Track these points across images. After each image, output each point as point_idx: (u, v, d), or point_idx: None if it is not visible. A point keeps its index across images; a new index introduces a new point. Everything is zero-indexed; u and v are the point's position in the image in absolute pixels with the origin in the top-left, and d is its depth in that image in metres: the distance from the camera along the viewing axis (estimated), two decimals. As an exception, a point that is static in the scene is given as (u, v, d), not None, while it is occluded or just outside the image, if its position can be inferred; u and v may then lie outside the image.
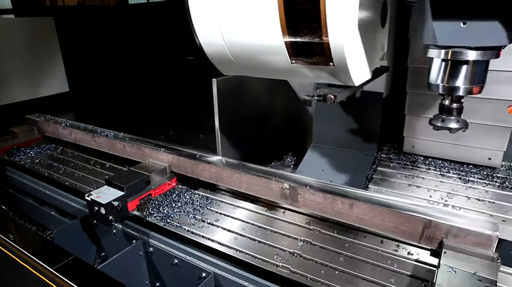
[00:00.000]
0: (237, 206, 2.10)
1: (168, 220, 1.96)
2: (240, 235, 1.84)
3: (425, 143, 2.47)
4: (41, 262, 1.63)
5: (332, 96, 1.60)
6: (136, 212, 2.03)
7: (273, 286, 1.58)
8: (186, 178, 2.32)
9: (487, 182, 2.18)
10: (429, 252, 1.61)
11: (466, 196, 2.06)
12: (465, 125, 1.58)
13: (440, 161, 2.43)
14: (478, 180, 2.21)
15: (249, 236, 1.82)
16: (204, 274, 1.71)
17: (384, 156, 2.58)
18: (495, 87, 2.07)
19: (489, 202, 2.00)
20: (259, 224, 1.92)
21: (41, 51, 4.52)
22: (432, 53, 1.46)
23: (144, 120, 4.39)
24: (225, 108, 2.32)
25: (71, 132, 2.92)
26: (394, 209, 1.61)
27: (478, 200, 2.02)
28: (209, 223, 1.94)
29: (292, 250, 1.69)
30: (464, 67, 1.43)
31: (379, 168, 2.43)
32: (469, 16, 1.30)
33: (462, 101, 1.56)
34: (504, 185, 2.13)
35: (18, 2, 5.46)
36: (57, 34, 4.67)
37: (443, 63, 1.46)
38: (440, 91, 1.52)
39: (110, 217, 1.90)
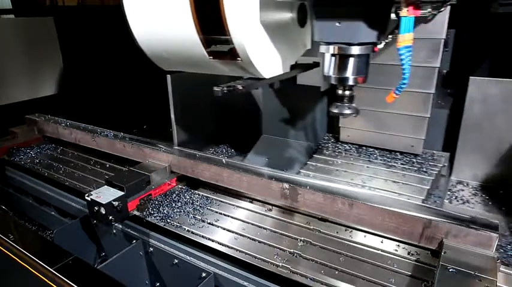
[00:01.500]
0: (237, 206, 2.10)
1: (168, 220, 1.96)
2: (240, 235, 1.84)
3: (358, 132, 2.67)
4: (41, 262, 1.63)
5: (240, 87, 1.79)
6: (136, 212, 2.03)
7: (273, 286, 1.58)
8: (186, 178, 2.32)
9: (407, 167, 2.42)
10: (429, 252, 1.61)
11: (385, 179, 2.30)
12: (356, 112, 1.79)
13: (371, 149, 2.65)
14: (400, 165, 2.45)
15: (249, 236, 1.82)
16: (204, 274, 1.71)
17: (323, 145, 2.80)
18: (412, 81, 2.05)
19: (403, 183, 2.24)
20: (259, 224, 1.91)
21: (41, 51, 4.52)
22: (322, 49, 1.69)
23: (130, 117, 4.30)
24: (180, 102, 2.52)
25: (71, 132, 2.92)
26: (394, 209, 1.62)
27: (394, 182, 2.26)
28: (209, 223, 1.94)
29: (292, 250, 1.69)
30: (350, 60, 1.64)
31: (315, 155, 2.67)
32: (341, 17, 1.55)
33: (352, 89, 1.76)
34: (420, 169, 2.37)
35: (18, 2, 5.46)
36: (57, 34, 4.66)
37: (332, 57, 1.67)
38: (333, 82, 1.72)
39: (110, 217, 1.90)
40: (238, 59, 1.74)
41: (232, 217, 1.99)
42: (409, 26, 1.47)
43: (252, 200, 2.13)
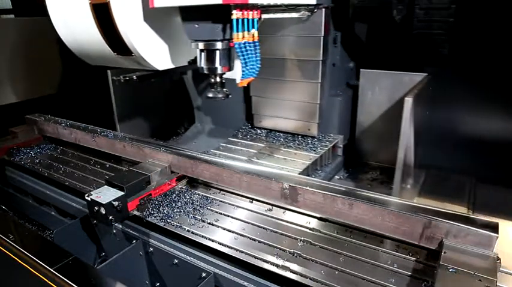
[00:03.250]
0: (237, 206, 2.10)
1: (168, 220, 1.96)
2: (240, 235, 1.84)
3: (268, 118, 3.09)
4: (41, 262, 1.63)
5: (135, 77, 2.31)
6: (136, 212, 2.03)
7: (273, 286, 1.58)
8: (186, 177, 2.32)
9: (300, 147, 2.81)
10: (429, 252, 1.61)
11: (277, 157, 2.69)
12: (226, 96, 2.19)
13: (278, 133, 3.05)
14: (295, 145, 2.85)
15: (249, 236, 1.82)
16: (204, 274, 1.71)
17: (240, 130, 3.16)
18: (304, 73, 2.69)
19: (290, 159, 2.61)
20: (259, 224, 1.91)
21: (41, 51, 4.51)
22: (193, 45, 2.06)
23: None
24: (122, 96, 2.87)
25: (71, 133, 2.92)
26: (395, 209, 1.62)
27: (284, 159, 2.62)
28: (209, 223, 1.94)
29: (292, 250, 1.69)
30: (215, 53, 2.02)
31: (229, 138, 3.02)
32: (197, 20, 1.96)
33: (222, 77, 2.16)
34: (311, 149, 2.76)
35: (18, 2, 5.45)
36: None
37: (202, 52, 2.05)
38: (205, 72, 2.11)
39: (110, 217, 1.90)
40: (133, 54, 2.14)
41: (232, 217, 1.99)
42: (240, 26, 1.85)
43: (252, 200, 2.13)
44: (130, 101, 2.93)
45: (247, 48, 1.93)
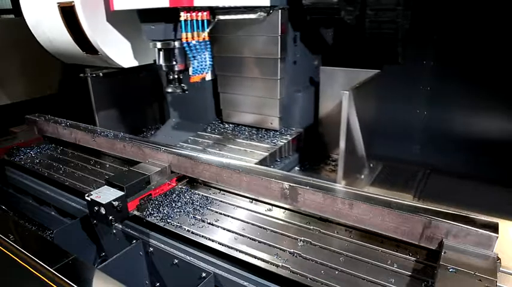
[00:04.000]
0: (237, 206, 2.10)
1: (168, 220, 1.96)
2: (240, 235, 1.84)
3: (235, 113, 3.24)
4: (41, 262, 1.63)
5: (101, 74, 2.63)
6: (136, 212, 2.03)
7: (273, 286, 1.58)
8: (186, 178, 2.32)
9: (262, 139, 2.98)
10: (429, 252, 1.61)
11: (238, 148, 2.84)
12: (183, 91, 2.40)
13: (244, 127, 3.19)
14: (258, 138, 3.02)
15: (249, 236, 1.82)
16: (204, 274, 1.71)
17: (210, 125, 3.33)
18: (265, 70, 2.89)
19: (249, 151, 2.77)
20: (259, 224, 1.91)
21: (40, 51, 4.52)
22: (151, 45, 2.22)
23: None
24: (101, 93, 3.06)
25: (71, 133, 2.92)
26: (395, 209, 1.62)
27: (244, 150, 2.78)
28: (209, 223, 1.94)
29: (292, 250, 1.69)
30: (172, 52, 2.21)
31: (198, 132, 3.19)
32: (153, 21, 2.17)
33: (180, 74, 2.34)
34: (271, 141, 2.94)
35: (18, 2, 5.45)
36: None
37: (160, 51, 2.23)
38: (164, 69, 2.30)
39: (110, 217, 1.90)
40: (99, 53, 2.33)
41: (232, 217, 1.99)
42: (189, 27, 2.04)
43: (252, 200, 2.13)
44: (109, 97, 3.11)
45: (197, 47, 2.14)
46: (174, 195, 2.19)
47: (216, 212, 2.05)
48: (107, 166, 2.70)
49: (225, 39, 2.98)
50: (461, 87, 2.89)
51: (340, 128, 2.14)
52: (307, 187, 1.83)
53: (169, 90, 2.37)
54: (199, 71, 2.23)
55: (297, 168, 2.86)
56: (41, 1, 2.39)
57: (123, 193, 1.97)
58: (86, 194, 1.96)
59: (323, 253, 1.68)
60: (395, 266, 1.56)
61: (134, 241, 1.99)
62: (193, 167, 2.22)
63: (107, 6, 2.18)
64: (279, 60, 2.77)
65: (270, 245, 1.75)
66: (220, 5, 2.24)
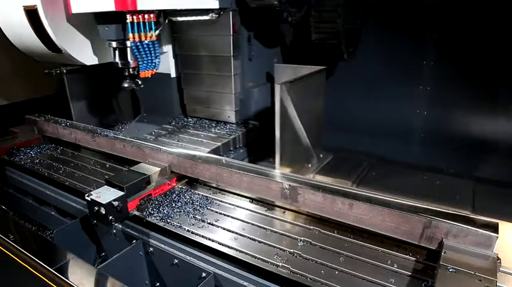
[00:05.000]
0: (237, 206, 2.10)
1: (168, 220, 1.96)
2: (240, 235, 1.84)
3: (197, 108, 3.48)
4: (41, 262, 1.63)
5: (65, 71, 2.86)
6: (136, 212, 2.03)
7: (273, 286, 1.58)
8: (186, 177, 2.32)
9: (219, 132, 3.19)
10: (429, 252, 1.61)
11: (196, 139, 3.05)
12: (137, 86, 2.63)
13: (206, 120, 3.43)
14: (215, 131, 3.22)
15: (249, 236, 1.82)
16: (204, 274, 1.71)
17: (175, 118, 3.53)
18: (222, 67, 3.12)
19: (205, 141, 2.99)
20: (259, 224, 1.92)
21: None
22: (107, 44, 2.43)
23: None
24: (76, 89, 3.25)
25: (71, 133, 2.92)
26: (394, 209, 1.62)
27: (200, 141, 3.01)
28: (209, 223, 1.94)
29: (292, 250, 1.69)
30: (126, 50, 2.42)
31: (163, 125, 3.38)
32: (107, 23, 2.37)
33: (134, 70, 2.53)
34: (226, 133, 3.15)
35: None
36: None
37: (115, 50, 2.44)
38: (120, 66, 2.50)
39: (110, 217, 1.90)
40: (62, 52, 2.53)
41: (232, 217, 1.99)
42: (135, 28, 2.28)
43: (252, 200, 2.13)
44: (85, 93, 3.32)
45: (144, 46, 2.37)
46: (174, 195, 2.19)
47: (216, 212, 2.05)
48: (107, 165, 2.70)
49: (185, 39, 3.24)
50: (460, 87, 2.91)
51: (275, 118, 2.29)
52: (307, 187, 1.83)
53: (125, 85, 2.60)
54: (148, 68, 2.48)
55: (251, 157, 3.09)
56: (9, 3, 2.54)
57: (123, 193, 1.97)
58: (86, 194, 1.96)
59: (323, 253, 1.68)
60: (395, 266, 1.56)
61: (134, 241, 1.99)
62: (193, 167, 2.22)
63: (66, 9, 2.37)
64: (232, 58, 3.02)
65: (270, 245, 1.75)
66: (162, 8, 2.44)
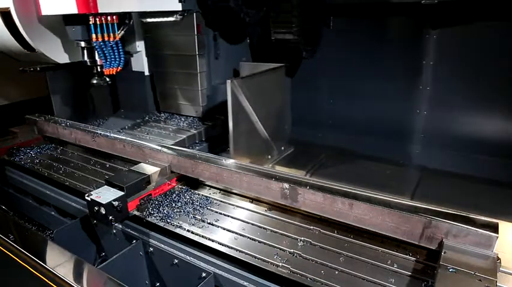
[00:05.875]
0: (237, 206, 2.10)
1: (168, 220, 1.96)
2: (240, 235, 1.84)
3: (169, 103, 3.67)
4: (41, 262, 1.63)
5: (38, 68, 2.87)
6: (136, 212, 2.03)
7: (273, 286, 1.58)
8: (186, 178, 2.32)
9: (187, 125, 3.37)
10: (429, 252, 1.61)
11: (165, 132, 3.22)
12: (106, 82, 2.78)
13: (177, 115, 3.58)
14: (184, 125, 3.41)
15: (249, 236, 1.82)
16: (204, 274, 1.71)
17: (149, 114, 3.71)
18: (186, 65, 3.30)
19: (172, 134, 3.17)
20: (259, 224, 1.92)
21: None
22: (76, 44, 2.62)
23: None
24: (58, 85, 3.42)
25: (71, 133, 2.92)
26: (394, 209, 1.62)
27: (167, 134, 3.18)
28: (209, 223, 1.94)
29: (292, 250, 1.69)
30: (94, 50, 2.60)
31: (137, 120, 3.58)
32: (74, 24, 2.52)
33: (103, 69, 2.66)
34: (194, 127, 3.33)
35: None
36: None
37: (83, 49, 2.63)
38: (89, 64, 2.66)
39: (110, 217, 1.90)
40: (36, 51, 2.64)
41: (232, 217, 2.00)
42: (98, 29, 2.44)
43: (252, 200, 2.13)
44: (66, 90, 3.48)
45: (108, 46, 2.53)
46: (174, 195, 2.19)
47: (216, 212, 2.05)
48: (107, 165, 2.70)
49: (156, 39, 3.44)
50: (459, 87, 2.91)
51: (227, 111, 2.47)
52: (307, 187, 1.83)
53: (94, 82, 2.76)
54: (112, 66, 2.63)
55: (217, 150, 3.20)
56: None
57: (123, 193, 1.97)
58: (86, 194, 1.96)
59: (323, 253, 1.68)
60: (395, 266, 1.56)
61: (134, 241, 1.99)
62: (193, 167, 2.22)
63: (37, 11, 2.50)
64: (197, 56, 3.22)
65: (270, 245, 1.75)
66: (121, 11, 2.55)
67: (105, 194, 1.95)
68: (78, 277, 1.56)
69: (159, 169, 2.24)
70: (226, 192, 2.23)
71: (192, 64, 3.26)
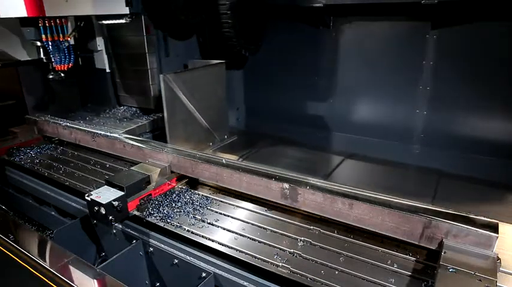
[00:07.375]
0: (237, 206, 2.10)
1: (168, 220, 1.96)
2: (240, 235, 1.84)
3: (126, 98, 3.94)
4: (41, 262, 1.63)
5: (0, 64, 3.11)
6: (136, 212, 2.03)
7: (273, 286, 1.58)
8: (186, 177, 2.32)
9: (141, 116, 3.66)
10: (429, 252, 1.61)
11: (120, 123, 3.45)
12: (60, 78, 3.04)
13: (132, 108, 3.88)
14: (138, 116, 3.69)
15: (249, 236, 1.82)
16: (204, 274, 1.71)
17: (111, 107, 3.94)
18: (139, 62, 3.59)
19: (125, 124, 3.38)
20: (259, 224, 1.91)
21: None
22: (31, 43, 2.85)
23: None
24: (29, 80, 3.58)
25: (71, 133, 2.92)
26: (394, 209, 1.62)
27: (120, 123, 3.44)
28: (209, 223, 1.94)
29: (292, 250, 1.69)
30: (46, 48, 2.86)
31: (100, 115, 3.78)
32: (28, 26, 2.70)
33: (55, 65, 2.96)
34: (144, 117, 3.60)
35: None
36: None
37: (39, 48, 2.87)
38: (45, 61, 2.92)
39: (110, 217, 1.90)
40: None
41: (232, 217, 1.99)
42: (47, 30, 2.70)
43: (252, 200, 2.13)
44: (38, 85, 3.65)
45: (57, 45, 2.84)
46: (174, 195, 2.19)
47: (216, 212, 2.05)
48: (107, 165, 2.70)
49: (113, 39, 3.71)
50: (459, 87, 2.91)
51: (162, 102, 2.71)
52: (307, 187, 1.83)
53: (50, 77, 3.01)
54: (63, 63, 2.95)
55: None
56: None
57: (123, 193, 1.97)
58: (86, 194, 1.96)
59: (323, 253, 1.68)
60: (395, 266, 1.56)
61: (134, 241, 1.99)
62: (193, 167, 2.22)
63: None
64: (147, 54, 3.53)
65: (270, 245, 1.75)
66: (67, 14, 2.77)
67: (105, 194, 1.95)
68: (78, 277, 1.56)
69: (159, 169, 2.24)
70: (226, 192, 2.23)
71: (143, 61, 3.57)
